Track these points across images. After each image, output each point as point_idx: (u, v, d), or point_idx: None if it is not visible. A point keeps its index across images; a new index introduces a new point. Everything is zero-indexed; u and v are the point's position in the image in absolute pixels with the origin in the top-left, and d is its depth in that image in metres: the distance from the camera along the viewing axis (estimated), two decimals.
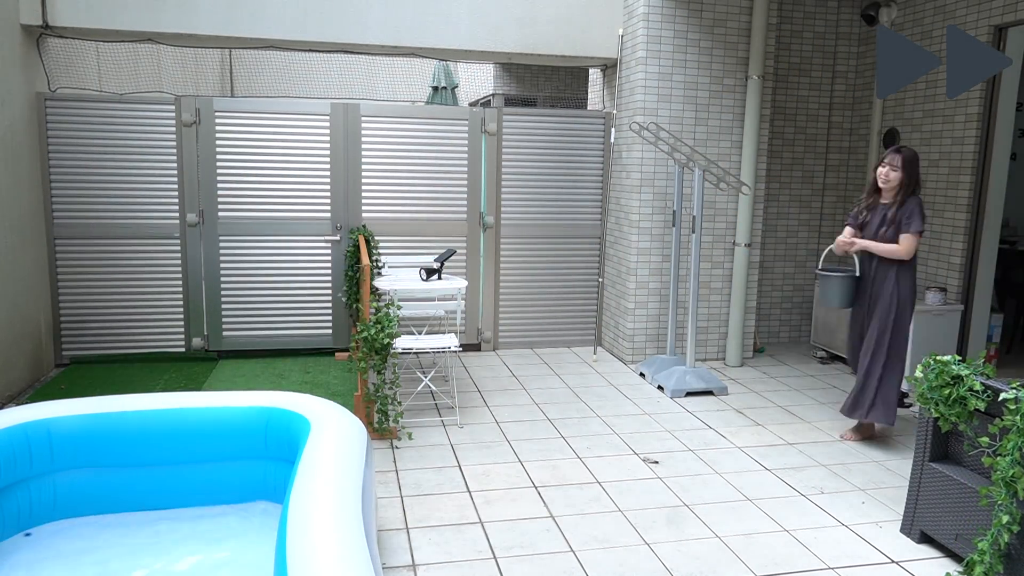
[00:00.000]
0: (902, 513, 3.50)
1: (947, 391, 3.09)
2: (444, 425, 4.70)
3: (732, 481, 3.98)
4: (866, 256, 4.49)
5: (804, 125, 6.68)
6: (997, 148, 5.41)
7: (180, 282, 5.89)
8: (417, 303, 5.53)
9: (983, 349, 5.67)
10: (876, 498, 3.80)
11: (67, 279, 5.72)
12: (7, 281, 5.01)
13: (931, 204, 5.85)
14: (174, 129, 5.73)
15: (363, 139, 6.05)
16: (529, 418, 4.87)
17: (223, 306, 5.98)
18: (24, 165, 5.28)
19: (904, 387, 5.41)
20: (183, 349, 5.96)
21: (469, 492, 3.78)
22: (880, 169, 4.33)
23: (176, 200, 5.81)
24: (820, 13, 6.55)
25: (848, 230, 4.52)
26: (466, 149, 6.24)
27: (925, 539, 3.35)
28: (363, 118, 6.03)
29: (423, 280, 5.02)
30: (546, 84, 10.14)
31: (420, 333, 5.48)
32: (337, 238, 6.09)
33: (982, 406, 2.98)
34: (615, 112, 6.29)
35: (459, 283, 5.04)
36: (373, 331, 4.32)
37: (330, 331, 6.20)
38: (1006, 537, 2.74)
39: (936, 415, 3.16)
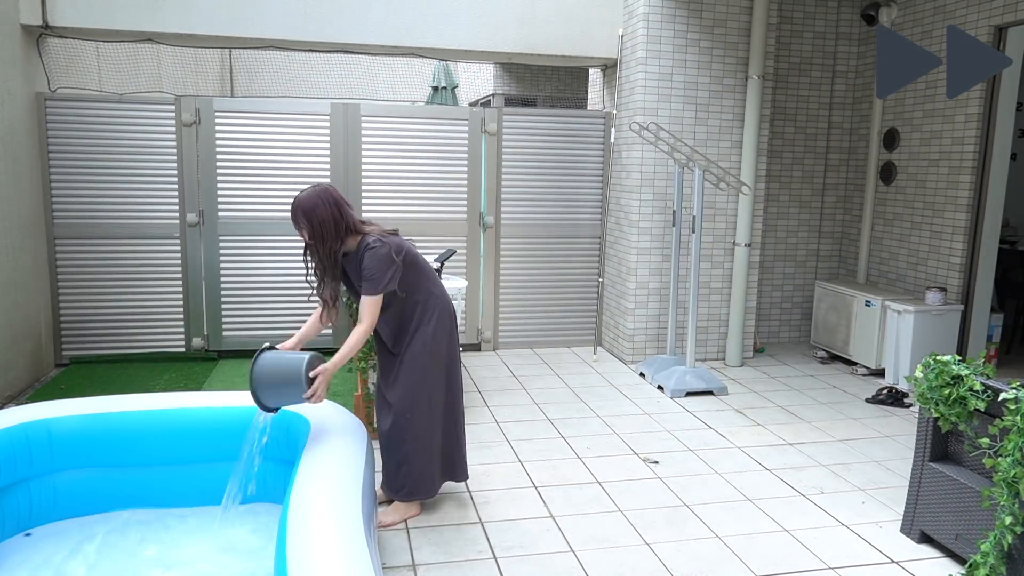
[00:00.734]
0: (902, 513, 3.50)
1: (947, 391, 3.09)
2: None
3: (732, 481, 3.98)
4: None
5: (804, 125, 6.68)
6: (997, 148, 5.41)
7: (180, 282, 5.89)
8: None
9: (983, 349, 5.67)
10: (876, 498, 3.80)
11: (67, 279, 5.72)
12: (7, 281, 5.01)
13: (931, 204, 5.85)
14: (174, 129, 5.73)
15: (363, 139, 6.04)
16: (529, 418, 4.87)
17: (223, 306, 5.98)
18: (24, 165, 5.28)
19: (904, 387, 5.42)
20: (183, 349, 5.96)
21: (469, 492, 3.78)
22: None
23: (176, 200, 5.81)
24: (820, 13, 6.55)
25: None
26: (466, 149, 6.24)
27: (925, 539, 3.35)
28: (363, 118, 6.03)
29: None
30: (546, 84, 10.14)
31: None
32: None
33: (982, 406, 2.98)
34: (615, 112, 6.29)
35: (459, 283, 5.04)
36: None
37: (330, 331, 6.19)
38: (1009, 539, 2.74)
39: (936, 415, 3.16)
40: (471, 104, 9.84)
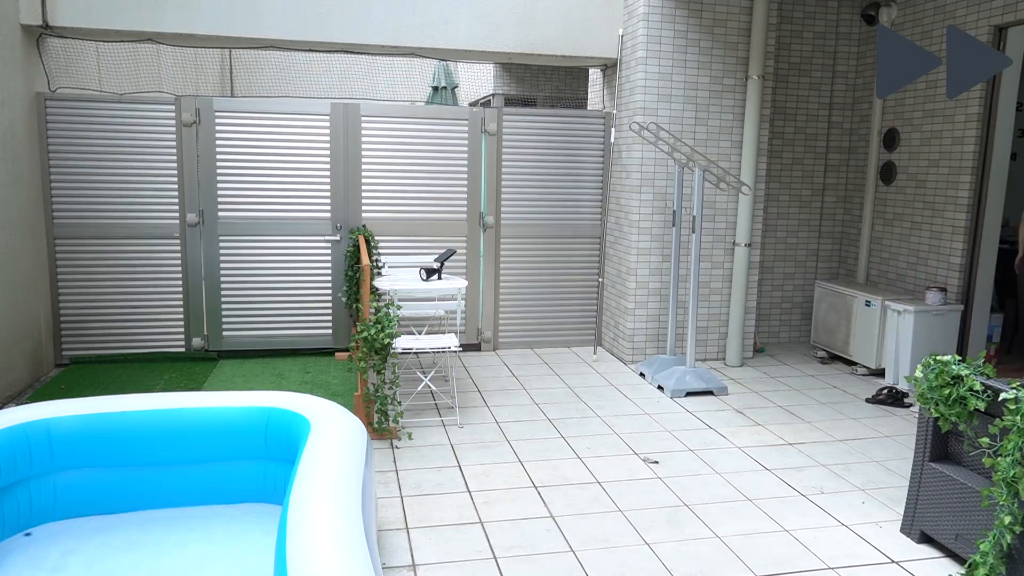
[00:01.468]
0: (902, 513, 3.50)
1: (947, 391, 3.09)
2: (444, 425, 4.70)
3: (732, 481, 3.98)
4: None
5: (804, 125, 6.68)
6: (997, 148, 5.41)
7: (180, 282, 5.89)
8: (417, 303, 5.53)
9: (983, 349, 5.67)
10: (876, 498, 3.80)
11: (67, 279, 5.72)
12: (7, 281, 5.01)
13: (931, 204, 5.85)
14: (174, 129, 5.73)
15: (363, 139, 6.05)
16: (529, 418, 4.87)
17: (223, 306, 5.98)
18: (24, 165, 5.28)
19: (904, 387, 5.42)
20: (183, 349, 5.96)
21: (469, 492, 3.78)
22: None
23: (176, 200, 5.81)
24: (820, 13, 6.55)
25: None
26: (466, 149, 6.24)
27: (925, 539, 3.35)
28: (363, 118, 6.03)
29: (423, 280, 5.02)
30: (546, 84, 10.13)
31: (420, 333, 5.48)
32: (337, 238, 6.09)
33: (982, 406, 2.98)
34: (615, 112, 6.29)
35: (459, 283, 5.04)
36: (373, 331, 4.32)
37: (330, 331, 6.20)
38: (1008, 538, 2.74)
39: (936, 415, 3.16)
40: (471, 104, 9.83)
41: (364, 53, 6.39)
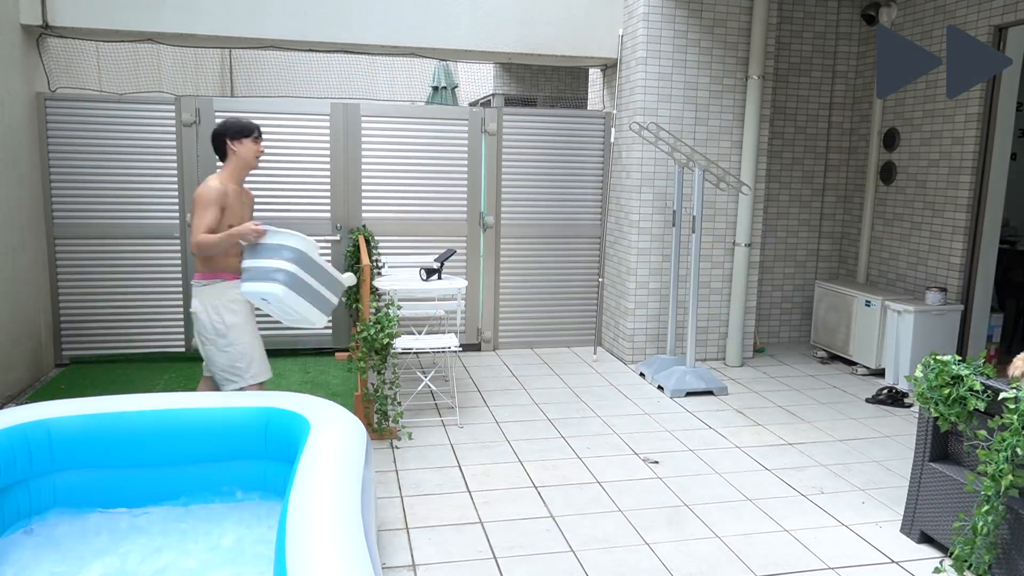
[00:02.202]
0: (902, 513, 3.50)
1: (947, 391, 3.09)
2: (444, 425, 4.70)
3: (732, 481, 3.98)
4: None
5: (804, 125, 6.68)
6: (997, 148, 5.41)
7: (180, 282, 5.89)
8: (417, 303, 5.53)
9: (983, 349, 5.67)
10: (876, 498, 3.80)
11: (67, 279, 5.72)
12: (7, 281, 5.01)
13: (931, 204, 5.85)
14: (174, 129, 5.73)
15: (363, 139, 6.04)
16: (529, 418, 4.87)
17: None
18: (24, 165, 5.28)
19: (904, 387, 5.42)
20: (183, 349, 5.96)
21: (469, 492, 3.78)
22: None
23: (176, 200, 5.81)
24: (820, 13, 6.55)
25: None
26: (466, 149, 6.24)
27: (925, 539, 3.35)
28: (363, 118, 6.03)
29: (423, 280, 5.02)
30: (546, 84, 10.13)
31: (420, 333, 5.48)
32: (337, 238, 6.09)
33: (982, 406, 2.99)
34: (615, 112, 6.29)
35: (459, 283, 5.04)
36: (373, 331, 4.32)
37: (330, 331, 6.20)
38: (982, 524, 2.81)
39: (936, 415, 3.16)
40: (471, 104, 9.84)
41: (364, 53, 6.39)
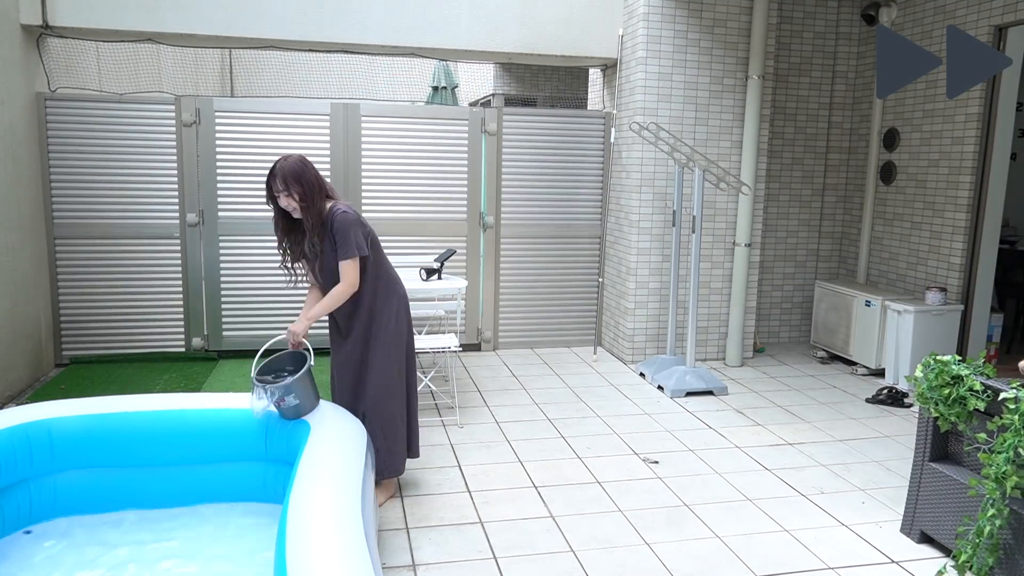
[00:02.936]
0: (902, 513, 3.50)
1: (947, 391, 3.09)
2: (444, 425, 4.70)
3: (732, 481, 3.98)
4: None
5: (804, 125, 6.68)
6: (997, 148, 5.41)
7: (180, 282, 5.89)
8: (417, 303, 5.52)
9: (983, 349, 5.67)
10: (876, 498, 3.80)
11: (67, 279, 5.72)
12: (7, 281, 5.01)
13: (931, 204, 5.85)
14: (174, 129, 5.73)
15: (363, 139, 6.04)
16: (529, 418, 4.87)
17: (223, 306, 5.98)
18: (24, 165, 5.28)
19: (904, 387, 5.42)
20: (183, 349, 5.96)
21: (469, 492, 3.78)
22: None
23: (176, 200, 5.81)
24: (820, 13, 6.55)
25: None
26: (466, 149, 6.24)
27: (925, 539, 3.36)
28: (363, 118, 6.03)
29: (423, 280, 5.02)
30: (546, 84, 10.14)
31: (420, 333, 5.48)
32: None
33: (982, 406, 2.99)
34: (615, 112, 6.29)
35: (459, 283, 5.04)
36: None
37: (327, 330, 6.18)
38: (988, 528, 2.79)
39: (936, 415, 3.16)
40: (471, 104, 9.84)
41: (364, 53, 6.39)
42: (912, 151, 6.04)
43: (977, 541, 2.84)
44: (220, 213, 5.87)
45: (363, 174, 6.08)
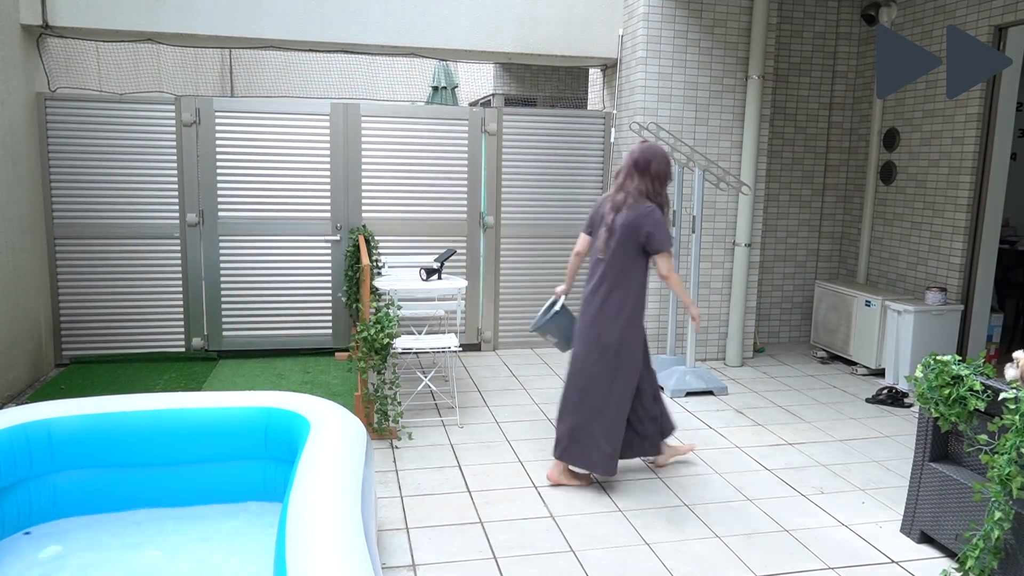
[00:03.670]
0: (902, 513, 3.50)
1: (947, 391, 3.09)
2: (444, 425, 4.70)
3: (732, 481, 3.98)
4: None
5: (804, 125, 6.68)
6: (997, 148, 5.41)
7: (180, 282, 5.89)
8: (417, 303, 5.53)
9: (983, 349, 5.67)
10: (876, 498, 3.80)
11: (67, 279, 5.72)
12: (7, 281, 5.01)
13: (931, 204, 5.85)
14: (174, 129, 5.73)
15: (363, 139, 6.04)
16: (529, 418, 4.87)
17: (223, 306, 5.98)
18: (24, 165, 5.28)
19: (904, 387, 5.42)
20: (183, 349, 5.96)
21: (469, 492, 3.78)
22: None
23: (176, 200, 5.81)
24: (820, 13, 6.55)
25: None
26: (466, 149, 6.24)
27: (925, 539, 3.35)
28: (363, 118, 6.03)
29: (423, 280, 5.02)
30: (546, 84, 10.13)
31: (420, 333, 5.48)
32: (337, 238, 6.09)
33: (982, 406, 2.99)
34: (615, 112, 6.29)
35: (459, 283, 5.04)
36: (373, 331, 4.32)
37: (330, 331, 6.20)
38: (997, 532, 2.76)
39: (936, 415, 3.16)
40: (471, 104, 9.84)
41: (364, 53, 6.39)
42: (912, 151, 6.04)
43: (983, 545, 2.81)
44: (220, 213, 5.87)
45: (363, 174, 6.08)
